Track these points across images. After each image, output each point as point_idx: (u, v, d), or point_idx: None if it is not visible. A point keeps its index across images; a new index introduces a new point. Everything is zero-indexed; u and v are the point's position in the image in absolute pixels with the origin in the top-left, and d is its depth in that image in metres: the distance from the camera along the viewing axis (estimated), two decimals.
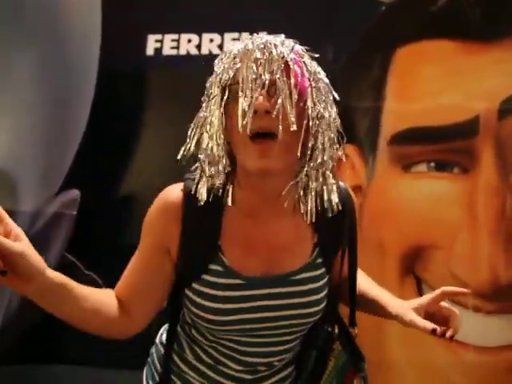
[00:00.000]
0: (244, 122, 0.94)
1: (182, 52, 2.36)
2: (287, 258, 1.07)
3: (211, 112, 1.01)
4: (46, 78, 2.24)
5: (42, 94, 2.23)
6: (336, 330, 1.19)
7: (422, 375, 2.19)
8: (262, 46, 0.98)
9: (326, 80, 1.05)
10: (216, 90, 1.01)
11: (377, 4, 2.24)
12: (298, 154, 0.98)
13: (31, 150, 2.21)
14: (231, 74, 0.98)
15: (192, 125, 1.05)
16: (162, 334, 1.21)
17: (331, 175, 1.04)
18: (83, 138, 2.30)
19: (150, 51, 2.38)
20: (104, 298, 1.04)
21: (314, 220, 1.05)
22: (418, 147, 2.17)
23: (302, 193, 1.04)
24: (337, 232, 1.12)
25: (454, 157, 2.15)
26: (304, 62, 1.02)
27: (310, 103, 0.99)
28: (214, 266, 1.05)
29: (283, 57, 0.98)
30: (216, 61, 1.04)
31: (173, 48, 2.37)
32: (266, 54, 0.97)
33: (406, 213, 2.17)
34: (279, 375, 1.15)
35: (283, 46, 1.00)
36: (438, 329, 1.02)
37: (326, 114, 1.01)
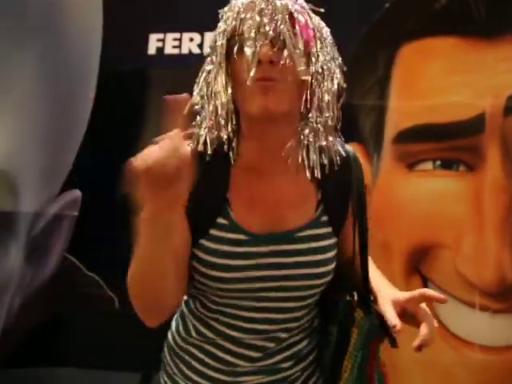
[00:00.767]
0: (251, 74, 0.94)
1: (184, 51, 2.36)
2: (291, 215, 1.06)
3: (216, 63, 1.01)
4: (47, 78, 2.23)
5: (43, 94, 2.22)
6: (355, 298, 1.15)
7: (428, 374, 2.17)
8: None
9: (329, 33, 1.05)
10: (221, 41, 1.01)
11: (381, 1, 2.23)
12: (302, 105, 0.99)
13: (32, 151, 2.21)
14: (236, 24, 0.99)
15: (197, 79, 1.04)
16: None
17: (334, 131, 1.04)
18: (84, 138, 2.30)
19: (151, 50, 2.39)
20: None
21: (318, 176, 1.04)
22: (422, 145, 2.15)
23: (305, 149, 1.03)
24: (343, 191, 1.10)
25: (459, 154, 2.13)
26: (308, 13, 1.03)
27: (314, 54, 1.00)
28: (220, 220, 1.04)
29: (287, 8, 0.98)
30: (220, 14, 1.04)
31: (175, 47, 2.37)
32: (270, 5, 0.98)
33: (412, 211, 2.16)
34: (288, 352, 1.12)
35: None
36: (396, 327, 1.00)
37: (332, 66, 1.02)
